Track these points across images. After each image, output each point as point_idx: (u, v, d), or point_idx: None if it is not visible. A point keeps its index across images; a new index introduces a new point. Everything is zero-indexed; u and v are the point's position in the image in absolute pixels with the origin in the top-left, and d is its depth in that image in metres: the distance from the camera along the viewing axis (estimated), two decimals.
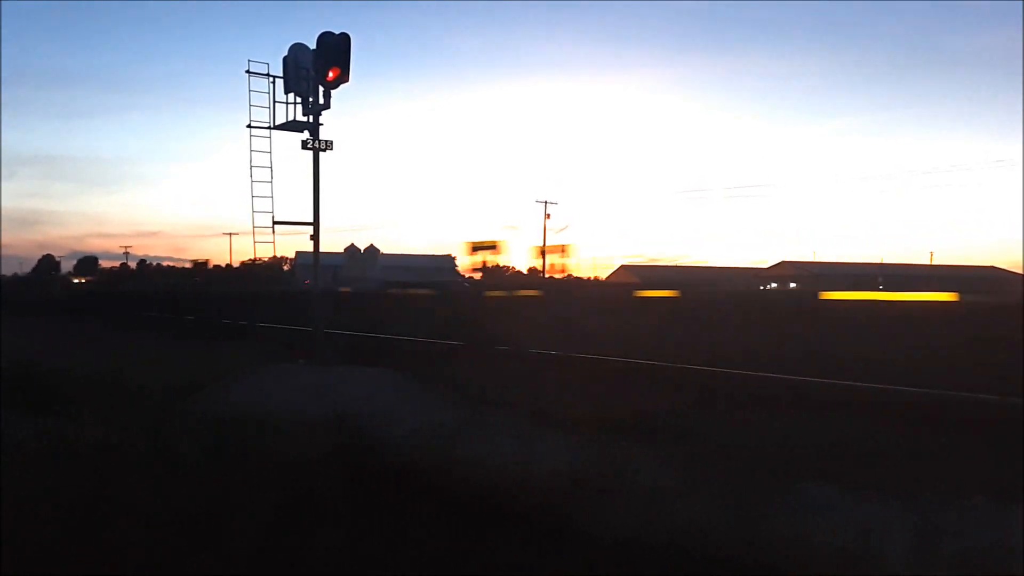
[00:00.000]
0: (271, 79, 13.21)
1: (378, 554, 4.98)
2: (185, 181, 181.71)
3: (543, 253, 70.27)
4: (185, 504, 5.44)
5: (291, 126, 13.27)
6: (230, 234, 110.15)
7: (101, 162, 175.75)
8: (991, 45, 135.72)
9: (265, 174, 13.11)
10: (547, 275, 74.01)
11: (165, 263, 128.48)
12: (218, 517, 5.25)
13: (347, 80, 13.09)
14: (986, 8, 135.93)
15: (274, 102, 13.26)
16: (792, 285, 73.38)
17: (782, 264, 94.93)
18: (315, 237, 13.42)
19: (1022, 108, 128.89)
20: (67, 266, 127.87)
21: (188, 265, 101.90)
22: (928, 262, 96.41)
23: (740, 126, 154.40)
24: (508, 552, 4.96)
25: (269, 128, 13.22)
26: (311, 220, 13.39)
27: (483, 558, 4.94)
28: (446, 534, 5.11)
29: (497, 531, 5.14)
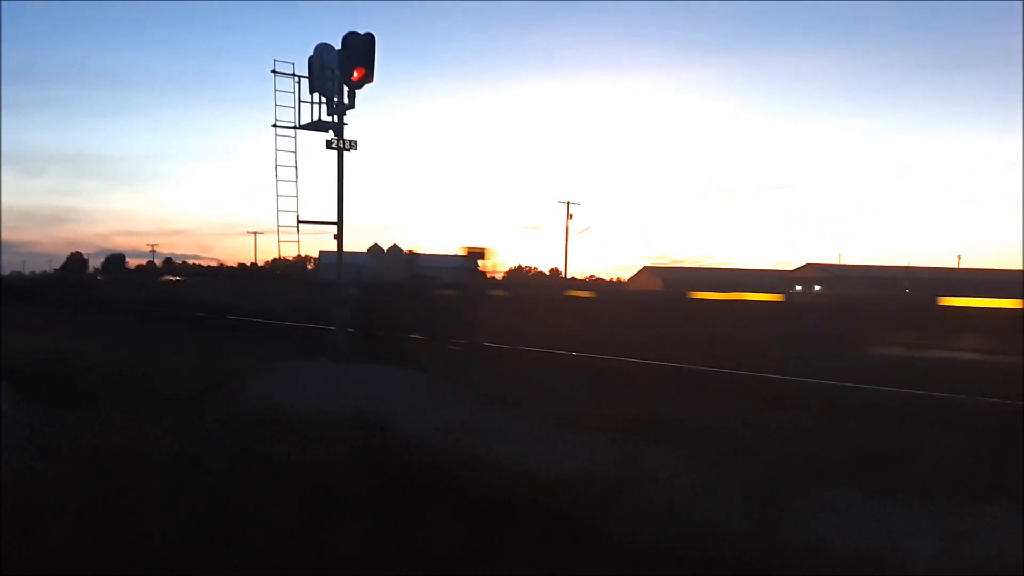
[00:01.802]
0: (296, 79, 13.33)
1: (398, 552, 5.00)
2: (210, 180, 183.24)
3: (566, 253, 70.36)
4: (205, 499, 5.50)
5: (316, 126, 13.37)
6: (255, 233, 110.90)
7: (128, 160, 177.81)
8: None
9: (290, 173, 13.24)
10: (569, 276, 74.06)
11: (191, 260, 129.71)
12: (239, 514, 5.30)
13: (372, 80, 13.17)
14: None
15: (299, 102, 13.37)
16: (817, 287, 72.83)
17: (807, 266, 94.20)
18: (339, 236, 13.51)
19: (1022, 111, 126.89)
20: (95, 263, 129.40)
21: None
22: (956, 265, 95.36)
23: (764, 126, 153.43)
24: (527, 551, 4.96)
25: (294, 128, 13.33)
26: (335, 219, 13.48)
27: (502, 557, 4.95)
28: (465, 533, 5.13)
29: (516, 530, 5.14)
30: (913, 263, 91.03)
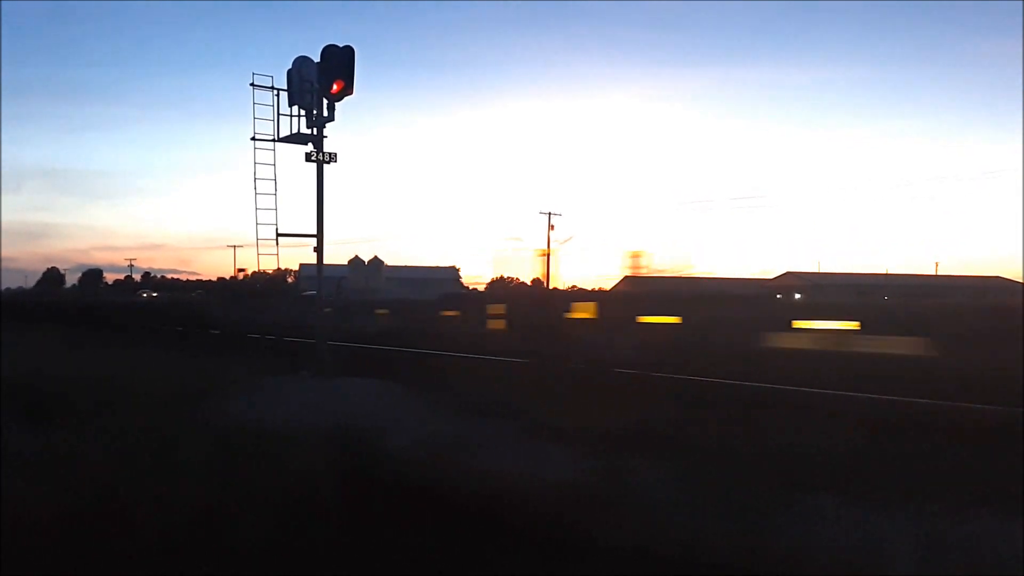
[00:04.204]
0: (275, 92, 13.26)
1: (379, 566, 4.96)
2: (190, 194, 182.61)
3: (547, 264, 70.44)
4: (187, 514, 5.44)
5: (295, 139, 13.31)
6: (234, 246, 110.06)
7: (106, 175, 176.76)
8: (997, 50, 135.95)
9: (269, 186, 13.16)
10: (551, 287, 74.09)
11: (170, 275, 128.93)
12: (220, 527, 5.25)
13: (351, 93, 13.14)
14: (992, 11, 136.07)
15: (278, 115, 13.30)
16: (797, 296, 73.29)
17: (787, 275, 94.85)
18: (319, 249, 13.44)
19: (1022, 115, 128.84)
20: (72, 279, 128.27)
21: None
22: (933, 272, 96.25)
23: (743, 136, 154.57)
24: (510, 564, 4.94)
25: (273, 141, 13.26)
26: (315, 232, 13.42)
27: (485, 570, 4.93)
28: (448, 546, 5.10)
29: (498, 543, 5.12)
30: (892, 271, 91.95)
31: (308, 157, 13.27)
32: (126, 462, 6.73)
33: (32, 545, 5.02)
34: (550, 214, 70.87)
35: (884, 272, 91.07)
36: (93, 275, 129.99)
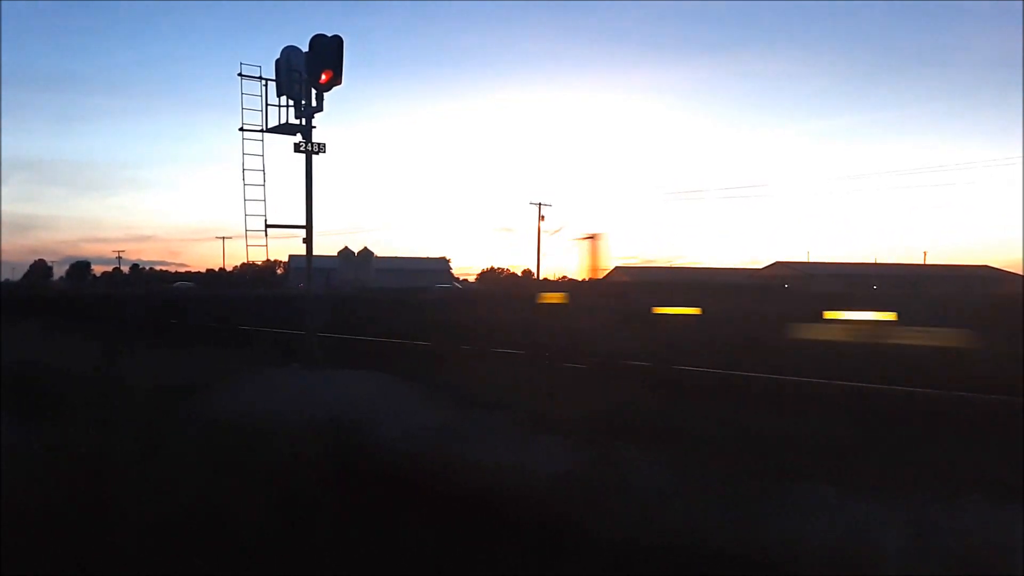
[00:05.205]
0: (263, 82, 13.16)
1: (372, 558, 4.95)
2: (179, 185, 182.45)
3: (538, 255, 70.48)
4: (178, 507, 5.41)
5: (284, 129, 13.22)
6: (223, 238, 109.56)
7: (94, 166, 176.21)
8: (988, 44, 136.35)
9: (258, 177, 13.07)
10: (541, 278, 74.11)
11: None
12: (211, 520, 5.23)
13: (340, 83, 13.05)
14: (984, 8, 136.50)
15: (266, 105, 13.20)
16: (786, 286, 73.53)
17: (776, 265, 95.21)
18: (308, 240, 13.37)
19: (1022, 108, 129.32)
20: (59, 271, 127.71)
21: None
22: (922, 262, 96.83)
23: (735, 128, 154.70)
24: (505, 555, 4.93)
25: (261, 131, 13.16)
26: (304, 223, 13.35)
27: (479, 561, 4.92)
28: (440, 537, 5.09)
29: (492, 534, 5.12)
30: (881, 260, 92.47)
31: (297, 147, 13.18)
32: (116, 455, 6.69)
33: (27, 538, 4.99)
34: (540, 204, 70.90)
35: (873, 261, 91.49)
36: (81, 267, 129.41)
